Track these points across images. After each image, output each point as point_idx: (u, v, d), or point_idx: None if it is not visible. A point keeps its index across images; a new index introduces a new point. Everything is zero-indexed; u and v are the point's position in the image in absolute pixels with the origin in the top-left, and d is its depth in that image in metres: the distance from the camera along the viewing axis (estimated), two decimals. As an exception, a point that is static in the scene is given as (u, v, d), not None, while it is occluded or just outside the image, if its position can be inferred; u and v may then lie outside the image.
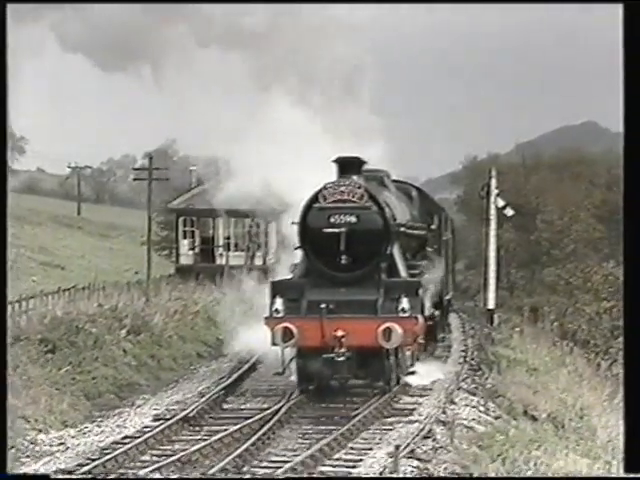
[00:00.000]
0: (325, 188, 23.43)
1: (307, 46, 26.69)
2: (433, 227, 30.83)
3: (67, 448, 19.20)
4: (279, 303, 22.90)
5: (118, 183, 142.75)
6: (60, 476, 13.97)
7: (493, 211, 41.29)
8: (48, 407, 22.01)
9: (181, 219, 61.54)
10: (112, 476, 14.38)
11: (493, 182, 41.72)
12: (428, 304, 25.91)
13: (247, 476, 15.57)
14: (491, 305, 41.39)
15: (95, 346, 27.16)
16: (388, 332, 21.90)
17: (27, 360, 24.64)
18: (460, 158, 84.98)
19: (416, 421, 20.37)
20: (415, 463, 16.72)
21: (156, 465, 16.26)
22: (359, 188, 23.37)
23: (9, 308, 33.09)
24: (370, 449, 17.91)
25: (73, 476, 14.17)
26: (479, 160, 77.78)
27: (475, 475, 14.81)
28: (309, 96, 26.74)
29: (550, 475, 16.80)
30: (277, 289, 23.46)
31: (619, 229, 60.60)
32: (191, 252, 62.28)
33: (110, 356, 27.08)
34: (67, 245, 77.25)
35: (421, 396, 23.77)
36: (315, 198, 23.52)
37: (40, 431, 20.66)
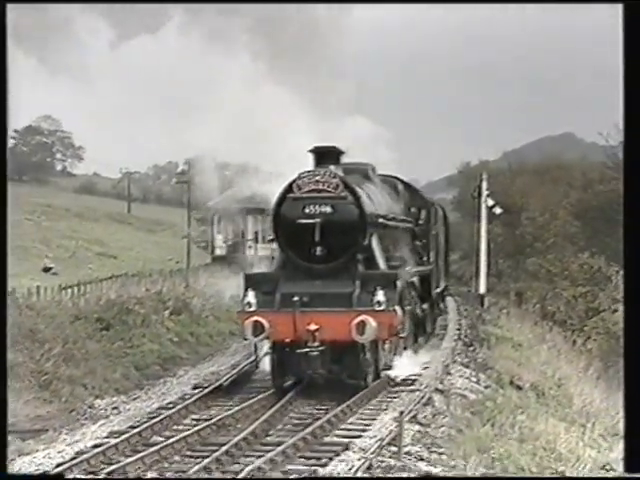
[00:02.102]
0: (300, 178, 20.10)
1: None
2: (421, 221, 27.39)
3: (119, 412, 19.27)
4: (251, 296, 19.67)
5: (162, 185, 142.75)
6: (74, 476, 13.03)
7: (484, 209, 41.37)
8: (103, 376, 22.12)
9: (216, 216, 61.56)
10: (116, 476, 13.37)
11: (484, 184, 41.83)
12: (410, 297, 22.77)
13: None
14: (482, 290, 41.44)
15: (143, 324, 27.25)
16: (362, 326, 18.73)
17: (85, 336, 24.75)
18: (456, 164, 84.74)
19: (417, 390, 20.25)
20: (417, 427, 16.72)
21: (195, 428, 16.25)
22: (334, 178, 20.01)
23: (69, 292, 33.24)
24: (378, 414, 17.86)
25: (85, 476, 13.23)
26: (472, 166, 77.63)
27: (478, 475, 13.64)
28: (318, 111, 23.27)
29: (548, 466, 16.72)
30: (251, 282, 20.20)
31: (593, 225, 60.67)
32: (224, 244, 62.35)
33: (155, 333, 27.15)
34: (119, 238, 77.29)
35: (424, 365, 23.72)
36: (289, 188, 20.19)
37: (97, 397, 20.78)
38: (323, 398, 19.45)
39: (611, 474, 15.91)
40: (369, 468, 13.57)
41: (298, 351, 18.96)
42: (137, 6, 21.90)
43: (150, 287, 34.22)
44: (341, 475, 13.19)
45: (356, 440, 15.53)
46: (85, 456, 14.38)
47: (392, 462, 14.08)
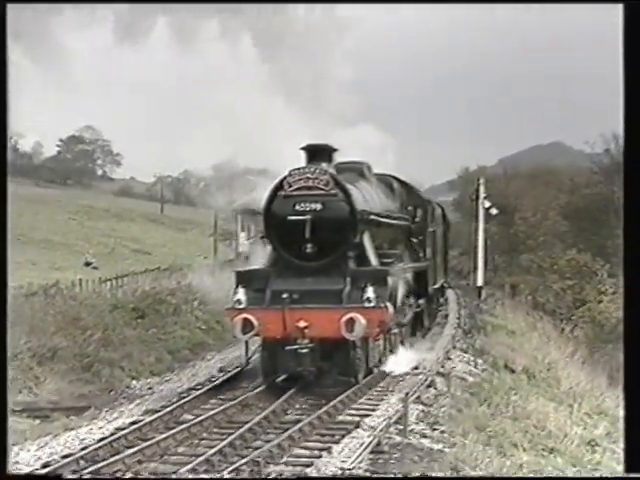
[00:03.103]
0: (290, 175, 18.17)
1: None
2: (417, 219, 24.98)
3: (153, 392, 19.29)
4: (241, 293, 17.81)
5: (192, 188, 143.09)
6: (72, 476, 11.82)
7: (481, 210, 41.31)
8: (139, 360, 22.16)
9: (240, 216, 61.58)
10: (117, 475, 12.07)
11: (481, 188, 41.79)
12: (402, 293, 20.39)
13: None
14: (479, 283, 41.38)
15: (174, 313, 27.30)
16: (351, 323, 16.84)
17: (123, 323, 24.84)
18: (456, 169, 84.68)
19: (421, 373, 20.11)
20: (420, 407, 16.70)
21: (222, 407, 16.25)
22: (325, 175, 18.06)
23: (108, 284, 33.33)
24: (385, 395, 17.76)
25: (83, 476, 11.90)
26: (470, 171, 77.54)
27: (480, 474, 12.45)
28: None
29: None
30: (241, 279, 18.25)
31: (580, 224, 60.40)
32: (247, 242, 62.39)
33: (186, 321, 27.16)
34: (153, 236, 77.61)
35: (427, 351, 23.64)
36: (280, 185, 18.28)
37: (133, 378, 20.83)
38: (339, 380, 19.13)
39: (597, 450, 15.84)
40: (378, 444, 13.54)
41: (287, 348, 17.09)
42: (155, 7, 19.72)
43: (181, 280, 34.28)
44: (352, 478, 12.28)
45: (366, 419, 15.49)
46: (123, 432, 14.41)
47: (398, 439, 14.07)
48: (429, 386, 18.67)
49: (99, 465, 12.37)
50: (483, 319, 33.37)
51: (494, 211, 42.92)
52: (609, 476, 12.62)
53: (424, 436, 14.60)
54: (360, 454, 12.99)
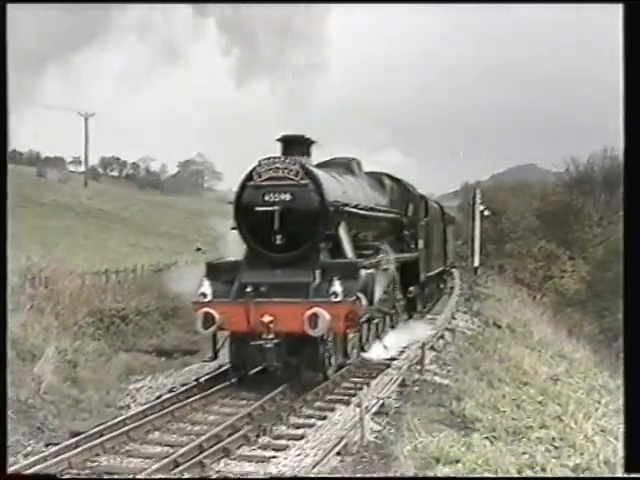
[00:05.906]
0: (260, 165, 13.13)
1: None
2: (409, 213, 19.57)
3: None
4: (206, 286, 12.72)
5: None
6: (67, 476, 9.30)
7: (477, 212, 41.06)
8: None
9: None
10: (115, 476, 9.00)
11: (477, 196, 41.50)
12: (383, 283, 14.58)
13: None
14: (476, 264, 41.20)
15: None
16: (314, 318, 11.85)
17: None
18: (459, 182, 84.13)
19: (433, 329, 19.97)
20: (433, 353, 16.55)
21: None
22: (294, 165, 12.98)
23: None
24: (406, 347, 17.13)
25: (79, 477, 9.10)
26: (469, 184, 76.96)
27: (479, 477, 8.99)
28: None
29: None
30: (210, 271, 13.23)
31: (548, 222, 59.54)
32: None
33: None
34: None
35: (437, 314, 23.44)
36: (250, 176, 13.26)
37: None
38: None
39: (558, 383, 15.53)
40: (403, 380, 13.43)
41: (252, 343, 12.28)
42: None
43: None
44: (351, 477, 9.25)
45: (394, 362, 15.33)
46: (223, 369, 14.38)
47: (417, 376, 13.95)
48: (440, 338, 18.54)
49: (206, 392, 12.39)
50: (478, 290, 33.17)
51: (486, 213, 42.70)
52: (609, 476, 9.49)
53: (436, 374, 14.48)
54: (390, 387, 12.93)
